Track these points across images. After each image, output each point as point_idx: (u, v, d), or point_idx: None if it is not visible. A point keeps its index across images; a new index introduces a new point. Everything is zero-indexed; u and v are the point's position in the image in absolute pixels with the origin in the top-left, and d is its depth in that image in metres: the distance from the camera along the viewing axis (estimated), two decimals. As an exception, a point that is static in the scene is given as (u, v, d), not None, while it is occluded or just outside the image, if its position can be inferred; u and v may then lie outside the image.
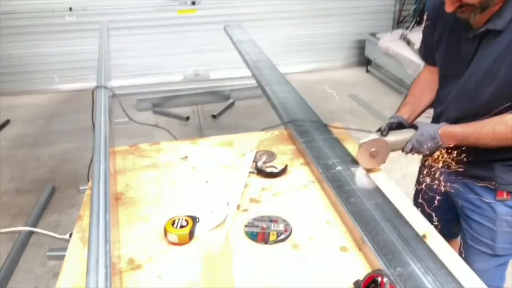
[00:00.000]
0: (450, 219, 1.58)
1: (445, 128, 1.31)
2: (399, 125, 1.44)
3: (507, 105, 1.21)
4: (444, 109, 1.42)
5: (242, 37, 3.02)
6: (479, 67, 1.25)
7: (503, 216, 1.39)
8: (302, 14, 5.32)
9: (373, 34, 5.26)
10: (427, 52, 1.53)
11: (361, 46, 5.60)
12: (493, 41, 1.20)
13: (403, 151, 1.42)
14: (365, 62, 5.61)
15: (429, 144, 1.33)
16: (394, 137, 1.40)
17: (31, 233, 2.73)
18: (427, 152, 1.37)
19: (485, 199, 1.41)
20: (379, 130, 1.41)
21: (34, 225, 2.78)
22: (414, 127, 1.40)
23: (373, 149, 1.39)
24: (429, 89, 1.53)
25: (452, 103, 1.38)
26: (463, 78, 1.31)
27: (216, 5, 5.07)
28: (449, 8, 1.19)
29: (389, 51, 4.68)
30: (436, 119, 1.46)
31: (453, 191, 1.47)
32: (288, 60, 5.42)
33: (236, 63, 4.53)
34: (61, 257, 1.15)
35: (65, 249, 1.17)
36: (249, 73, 2.47)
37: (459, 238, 1.60)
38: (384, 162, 1.42)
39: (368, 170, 1.42)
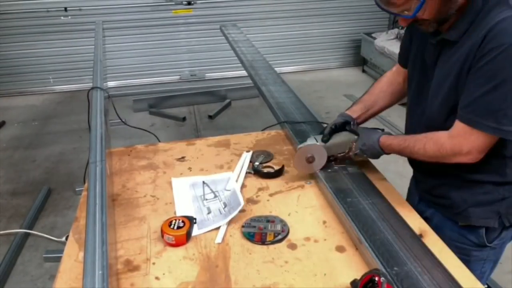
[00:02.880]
0: None
1: (383, 140, 1.31)
2: (344, 125, 1.41)
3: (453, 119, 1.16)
4: (409, 117, 1.40)
5: (237, 37, 3.02)
6: (435, 76, 1.22)
7: (451, 241, 1.22)
8: (297, 14, 5.33)
9: (369, 34, 5.26)
10: (400, 52, 1.49)
11: (357, 46, 5.61)
12: (449, 51, 1.17)
13: (338, 155, 1.40)
14: (361, 61, 5.62)
15: (372, 152, 1.35)
16: (332, 141, 1.38)
17: (27, 235, 2.72)
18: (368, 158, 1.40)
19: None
20: (322, 133, 1.40)
21: (30, 227, 2.77)
22: (355, 132, 1.39)
23: (309, 155, 1.37)
24: (389, 92, 1.51)
25: (413, 111, 1.36)
26: (426, 86, 1.27)
27: (211, 5, 5.07)
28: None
29: (385, 50, 4.69)
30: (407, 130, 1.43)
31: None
32: (284, 60, 5.44)
33: (232, 63, 4.56)
34: (58, 259, 1.15)
35: (61, 251, 1.17)
36: (245, 73, 2.47)
37: None
38: (321, 167, 1.40)
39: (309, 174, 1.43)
